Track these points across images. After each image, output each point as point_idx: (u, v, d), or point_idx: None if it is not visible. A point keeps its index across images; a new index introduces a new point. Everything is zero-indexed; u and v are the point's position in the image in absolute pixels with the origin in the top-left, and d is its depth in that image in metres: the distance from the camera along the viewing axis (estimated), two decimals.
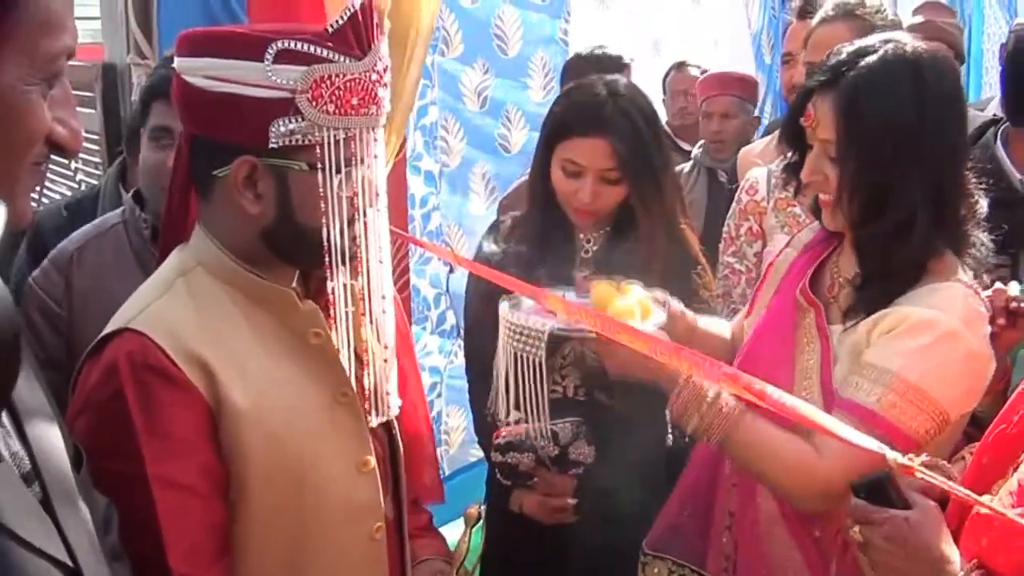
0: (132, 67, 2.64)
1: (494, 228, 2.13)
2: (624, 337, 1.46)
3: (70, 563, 0.87)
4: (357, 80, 1.17)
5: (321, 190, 1.18)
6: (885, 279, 1.46)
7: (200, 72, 1.17)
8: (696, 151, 3.59)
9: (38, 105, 0.84)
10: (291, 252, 1.26)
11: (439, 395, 3.52)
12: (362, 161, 1.20)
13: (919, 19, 3.04)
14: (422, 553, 1.53)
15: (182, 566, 1.12)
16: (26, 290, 1.90)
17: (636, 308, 1.52)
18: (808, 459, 1.39)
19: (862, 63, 1.42)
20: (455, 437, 3.62)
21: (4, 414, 0.87)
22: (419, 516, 1.57)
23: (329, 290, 1.24)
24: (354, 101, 1.17)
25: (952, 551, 1.11)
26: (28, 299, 1.88)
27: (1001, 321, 1.51)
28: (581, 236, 1.99)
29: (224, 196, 1.22)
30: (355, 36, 1.16)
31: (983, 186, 1.60)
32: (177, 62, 1.21)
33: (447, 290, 3.49)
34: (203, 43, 1.19)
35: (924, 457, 1.13)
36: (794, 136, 1.54)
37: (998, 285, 1.56)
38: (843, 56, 1.45)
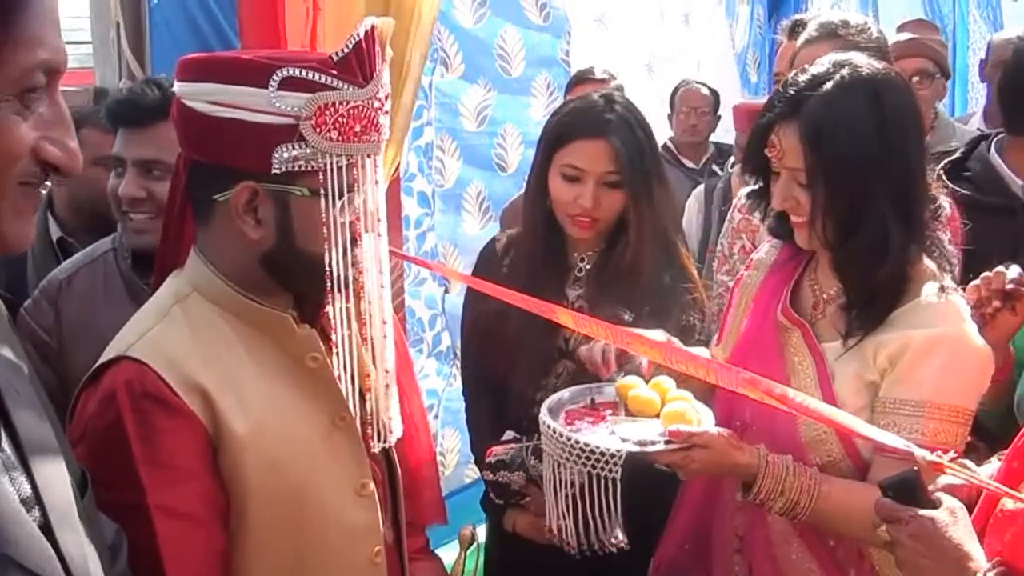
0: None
1: (490, 247, 2.14)
2: (637, 347, 1.47)
3: None
4: (360, 107, 1.18)
5: (324, 216, 1.18)
6: (873, 295, 1.49)
7: (202, 97, 1.17)
8: (730, 169, 3.58)
9: (7, 122, 0.82)
10: (291, 278, 1.25)
11: (435, 417, 3.51)
12: (363, 187, 1.21)
13: (904, 36, 3.07)
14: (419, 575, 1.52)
15: None
16: (19, 319, 1.89)
17: (690, 410, 1.50)
18: None
19: (820, 91, 1.46)
20: (451, 459, 3.60)
21: (4, 439, 0.86)
22: (416, 539, 1.57)
23: (330, 315, 1.24)
24: (357, 128, 1.18)
25: (977, 550, 1.13)
26: (20, 328, 1.87)
27: (997, 304, 1.54)
28: (575, 255, 2.00)
29: (223, 221, 1.22)
30: (359, 64, 1.18)
31: (982, 197, 1.64)
32: (178, 87, 1.21)
33: (443, 311, 3.48)
34: (206, 68, 1.19)
35: (952, 454, 1.21)
36: (758, 166, 1.57)
37: (998, 268, 1.59)
38: (800, 84, 1.48)
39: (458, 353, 3.49)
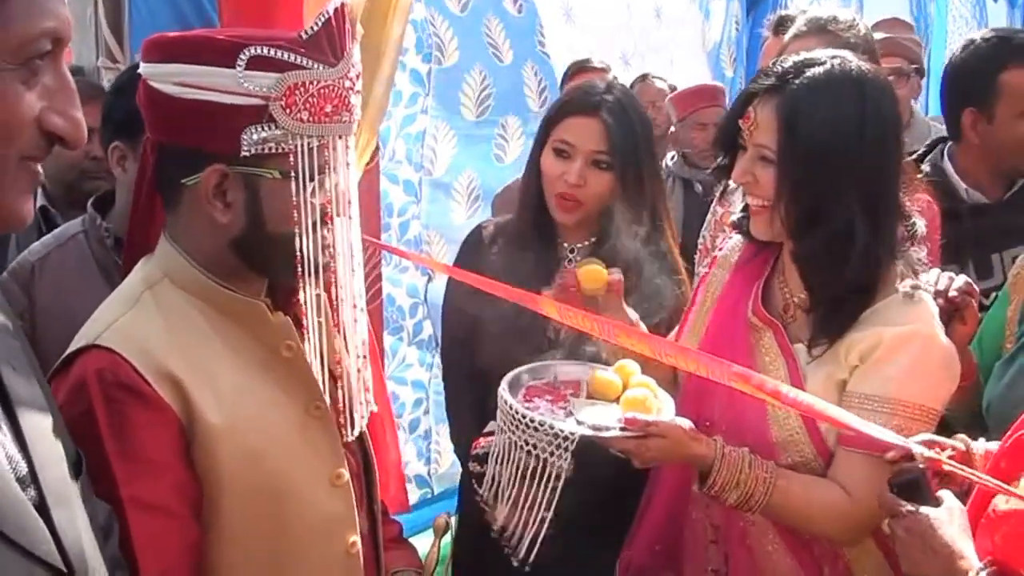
0: (103, 70, 2.60)
1: (476, 234, 2.11)
2: (624, 340, 1.47)
3: (63, 567, 0.85)
4: (331, 87, 1.15)
5: (294, 198, 1.16)
6: (837, 299, 1.48)
7: (169, 78, 1.14)
8: (669, 163, 3.60)
9: (11, 90, 0.81)
10: (262, 262, 1.23)
11: (426, 412, 3.49)
12: (335, 169, 1.19)
13: (879, 35, 3.09)
14: (394, 565, 1.51)
15: None
16: None
17: (651, 397, 1.49)
18: (842, 505, 1.44)
19: (808, 73, 1.45)
20: (446, 458, 3.56)
21: (2, 418, 0.86)
22: (390, 527, 1.56)
23: (301, 300, 1.22)
24: (328, 108, 1.15)
25: (969, 550, 1.17)
26: None
27: (940, 302, 1.56)
28: (565, 245, 1.99)
29: (192, 205, 1.19)
30: (329, 43, 1.15)
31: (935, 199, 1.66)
32: (144, 68, 1.18)
33: (425, 300, 3.46)
34: (173, 49, 1.16)
35: (950, 451, 1.25)
36: (728, 138, 1.55)
37: (948, 274, 1.63)
38: (789, 64, 1.48)
39: (440, 342, 3.49)
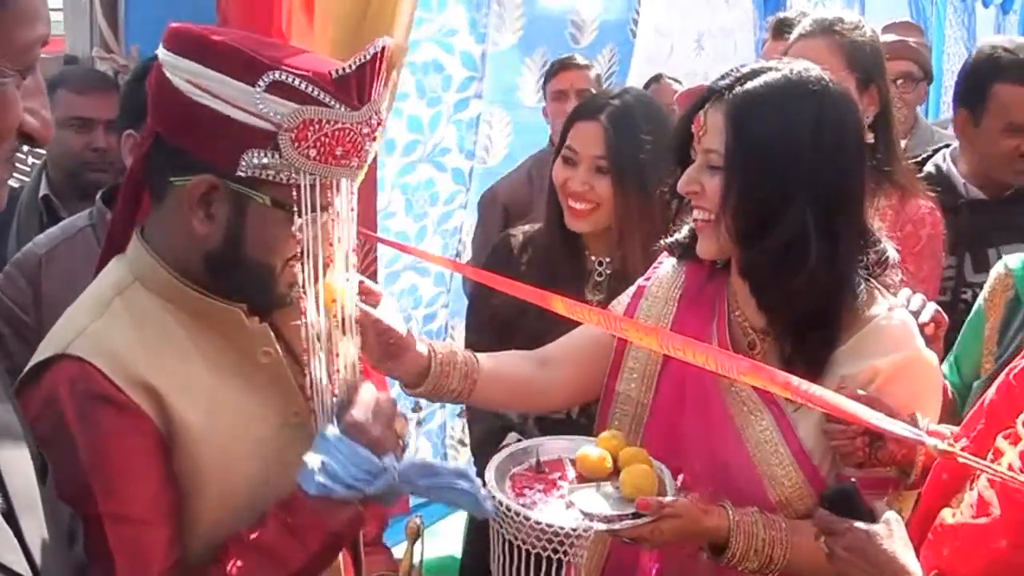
0: (97, 60, 2.58)
1: (505, 243, 2.09)
2: (632, 334, 1.43)
3: (30, 575, 0.84)
4: (347, 130, 1.11)
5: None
6: (800, 331, 1.39)
7: (183, 74, 1.10)
8: None
9: (12, 98, 0.83)
10: (232, 283, 1.18)
11: (442, 405, 3.43)
12: (329, 210, 1.15)
13: (890, 38, 3.07)
14: (371, 569, 1.49)
15: None
16: None
17: (651, 472, 1.38)
18: None
19: (764, 76, 1.38)
20: (463, 453, 3.53)
21: None
22: (366, 530, 1.52)
23: (303, 338, 1.18)
24: (338, 151, 1.11)
25: (913, 563, 1.13)
26: None
27: None
28: (592, 258, 1.97)
29: (175, 205, 1.15)
30: (358, 85, 1.10)
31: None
32: (162, 54, 1.13)
33: (449, 289, 3.43)
34: (196, 46, 1.10)
35: (964, 442, 1.19)
36: (680, 146, 1.46)
37: (919, 296, 1.60)
38: (746, 69, 1.40)
39: (451, 333, 3.43)
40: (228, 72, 1.08)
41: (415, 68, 3.11)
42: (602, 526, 1.30)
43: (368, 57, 1.10)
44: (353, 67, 1.10)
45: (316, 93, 1.08)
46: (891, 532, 1.15)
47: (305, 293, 1.16)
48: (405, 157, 3.20)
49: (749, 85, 1.37)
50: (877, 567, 1.13)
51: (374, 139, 1.16)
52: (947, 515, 1.19)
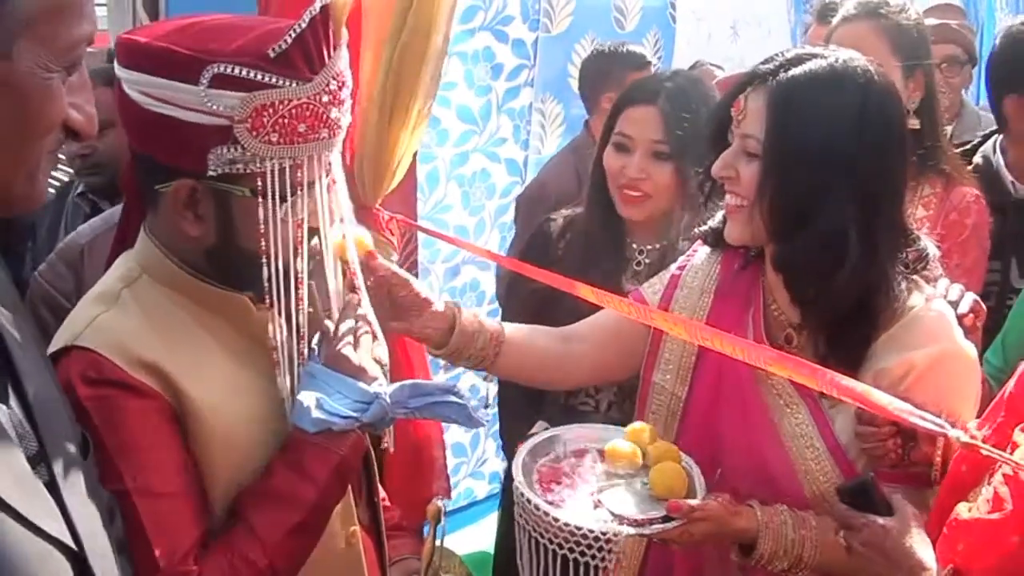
0: None
1: (544, 228, 2.06)
2: (661, 323, 1.42)
3: (74, 546, 0.86)
4: (305, 105, 1.09)
5: (261, 222, 1.12)
6: (837, 328, 1.36)
7: (136, 86, 1.09)
8: None
9: (58, 92, 0.85)
10: (237, 275, 1.20)
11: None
12: (311, 186, 1.15)
13: (932, 21, 3.00)
14: (396, 553, 1.51)
15: (173, 563, 1.08)
16: (32, 284, 1.87)
17: (681, 471, 1.37)
18: None
19: (809, 64, 1.34)
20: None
21: (13, 398, 0.87)
22: (389, 515, 1.53)
23: (269, 332, 1.19)
24: (301, 128, 1.10)
25: (930, 558, 1.14)
26: (34, 293, 1.86)
27: None
28: (634, 246, 1.93)
29: (167, 211, 1.16)
30: (304, 56, 1.08)
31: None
32: (117, 69, 1.12)
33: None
34: (137, 55, 1.09)
35: (987, 431, 1.17)
36: (717, 131, 1.44)
37: (958, 286, 1.56)
38: (791, 55, 1.37)
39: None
40: (171, 75, 1.07)
41: (465, 58, 3.09)
42: (631, 530, 1.28)
43: (306, 24, 1.08)
44: (291, 40, 1.07)
45: (260, 76, 1.06)
46: (908, 527, 1.15)
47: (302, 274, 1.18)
48: (458, 147, 3.18)
49: (793, 72, 1.33)
50: (895, 562, 1.14)
51: (340, 102, 1.13)
52: (963, 510, 1.17)
